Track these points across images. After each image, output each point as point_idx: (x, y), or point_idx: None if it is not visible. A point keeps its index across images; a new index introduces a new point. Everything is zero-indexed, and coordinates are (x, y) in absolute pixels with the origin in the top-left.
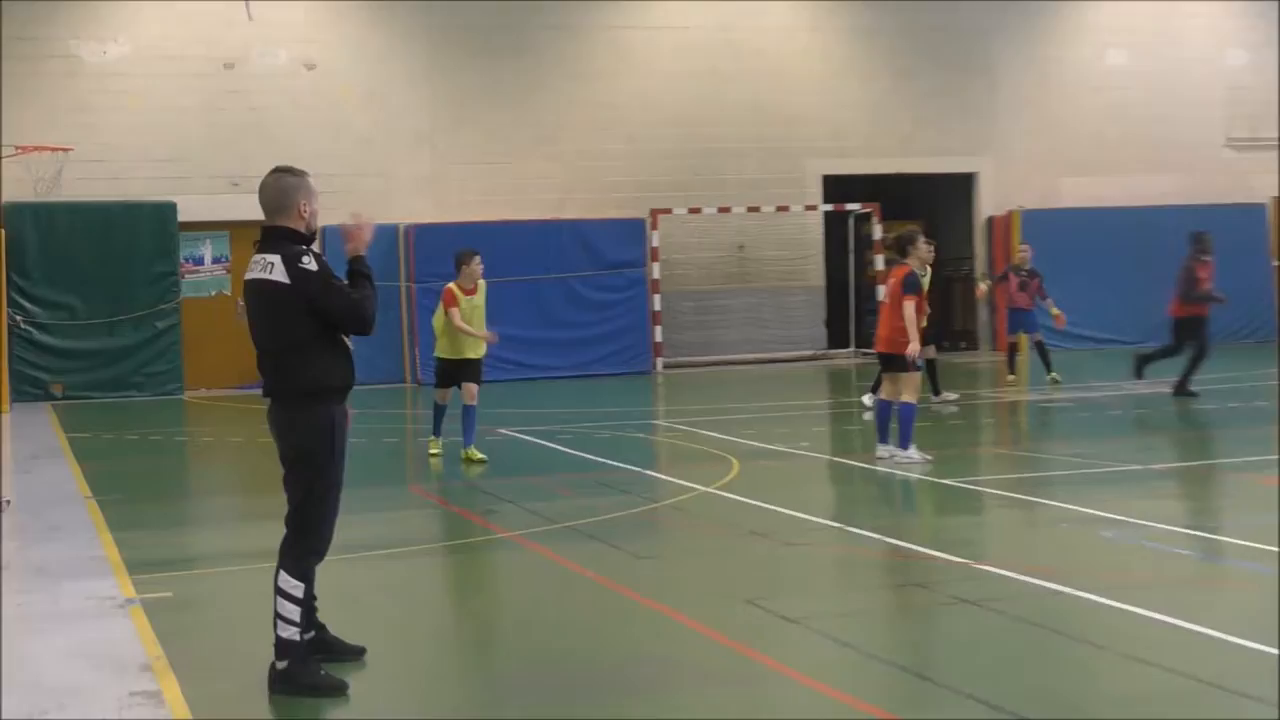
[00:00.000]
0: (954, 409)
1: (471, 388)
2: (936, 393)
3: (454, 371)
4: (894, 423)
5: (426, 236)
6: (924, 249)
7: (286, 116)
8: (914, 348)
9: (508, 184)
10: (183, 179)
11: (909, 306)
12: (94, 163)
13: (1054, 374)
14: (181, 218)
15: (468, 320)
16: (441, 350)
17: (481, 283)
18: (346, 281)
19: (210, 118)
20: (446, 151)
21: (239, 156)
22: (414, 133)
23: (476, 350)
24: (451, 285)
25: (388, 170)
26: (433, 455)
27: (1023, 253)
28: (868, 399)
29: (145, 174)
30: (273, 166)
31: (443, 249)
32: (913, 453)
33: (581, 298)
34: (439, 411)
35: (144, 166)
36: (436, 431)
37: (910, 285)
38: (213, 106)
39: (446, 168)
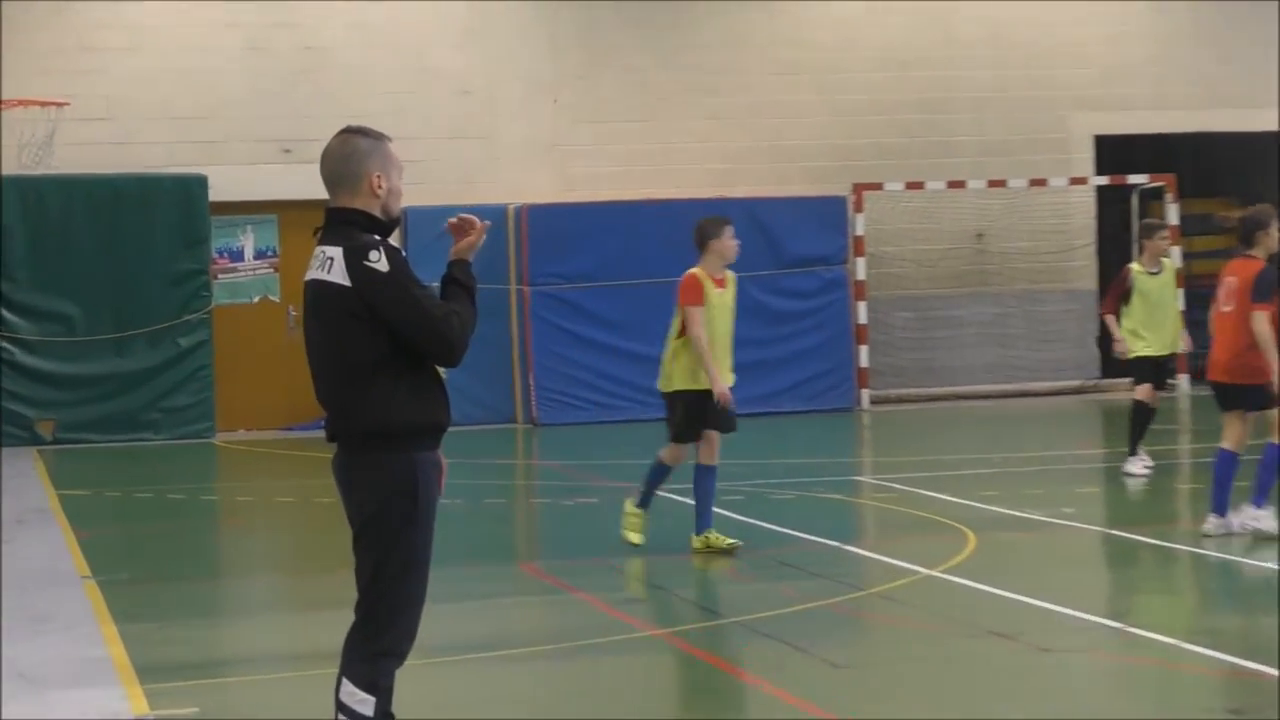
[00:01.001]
0: (1144, 476)
1: (714, 438)
2: (1134, 451)
3: (702, 411)
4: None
5: (545, 221)
6: (1276, 237)
7: (355, 60)
8: None
9: (655, 151)
10: (216, 144)
11: (1259, 320)
12: (97, 122)
13: None
14: (214, 196)
15: (714, 328)
16: (681, 378)
17: (730, 273)
18: (438, 289)
19: (253, 62)
20: (573, 107)
21: (291, 113)
22: (529, 81)
23: (729, 373)
24: (695, 271)
25: (493, 132)
26: (633, 536)
27: None
28: (1136, 465)
29: (165, 137)
30: (341, 127)
31: (566, 238)
32: (1264, 515)
33: (757, 306)
34: (660, 476)
35: (164, 127)
36: (646, 502)
37: (1262, 288)
38: (256, 46)
39: (572, 129)
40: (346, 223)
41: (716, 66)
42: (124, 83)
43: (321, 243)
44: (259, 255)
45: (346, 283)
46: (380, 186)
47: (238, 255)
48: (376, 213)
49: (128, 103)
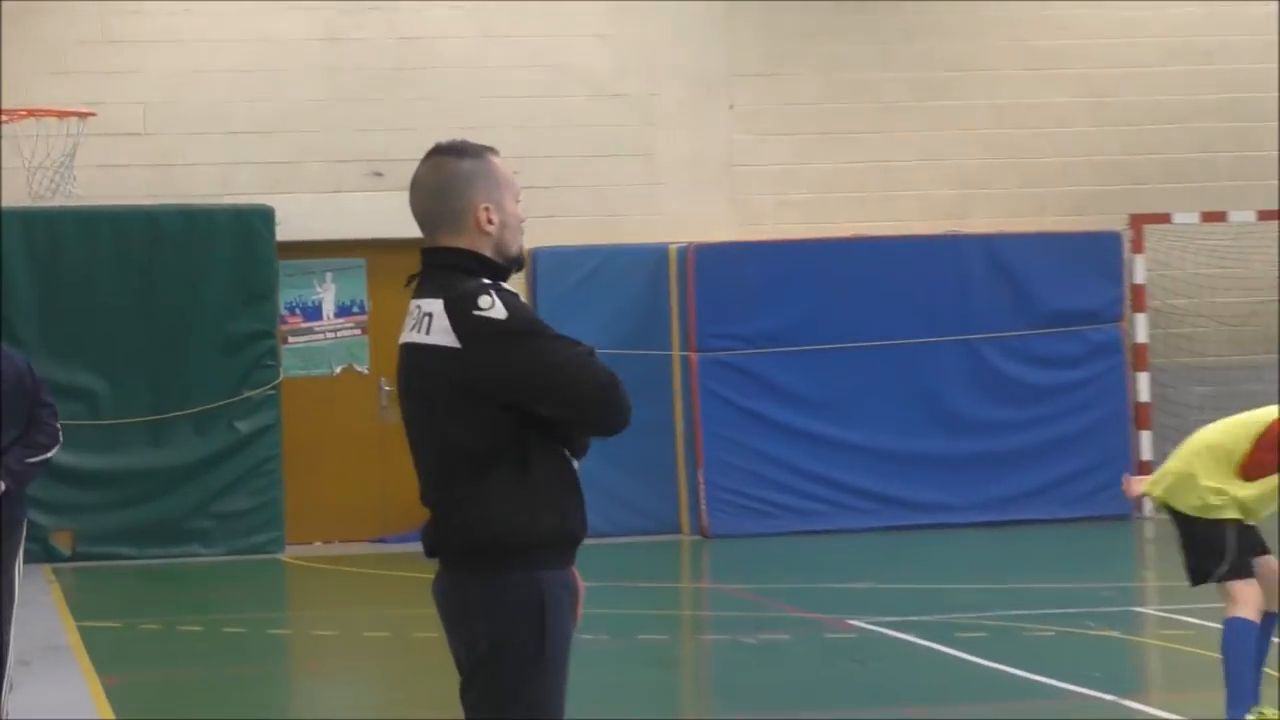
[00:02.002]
0: None
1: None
2: None
3: (1249, 536)
4: None
5: (719, 266)
6: None
7: (465, 55)
8: None
9: (866, 172)
10: (286, 166)
11: None
12: (129, 138)
13: None
14: (283, 234)
15: None
16: (1235, 511)
17: None
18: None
19: (333, 57)
20: (755, 114)
21: (382, 125)
22: (697, 81)
23: None
24: None
25: (648, 149)
26: None
27: None
28: None
29: (219, 157)
30: (434, 145)
31: (746, 288)
32: None
33: (1002, 379)
34: (1252, 638)
35: (216, 144)
36: (1251, 694)
37: None
38: (336, 36)
39: (755, 143)
40: (448, 267)
41: (949, 59)
42: (165, 86)
43: (417, 295)
44: (342, 312)
45: (453, 343)
46: (491, 220)
47: (314, 312)
48: (488, 252)
49: (170, 112)
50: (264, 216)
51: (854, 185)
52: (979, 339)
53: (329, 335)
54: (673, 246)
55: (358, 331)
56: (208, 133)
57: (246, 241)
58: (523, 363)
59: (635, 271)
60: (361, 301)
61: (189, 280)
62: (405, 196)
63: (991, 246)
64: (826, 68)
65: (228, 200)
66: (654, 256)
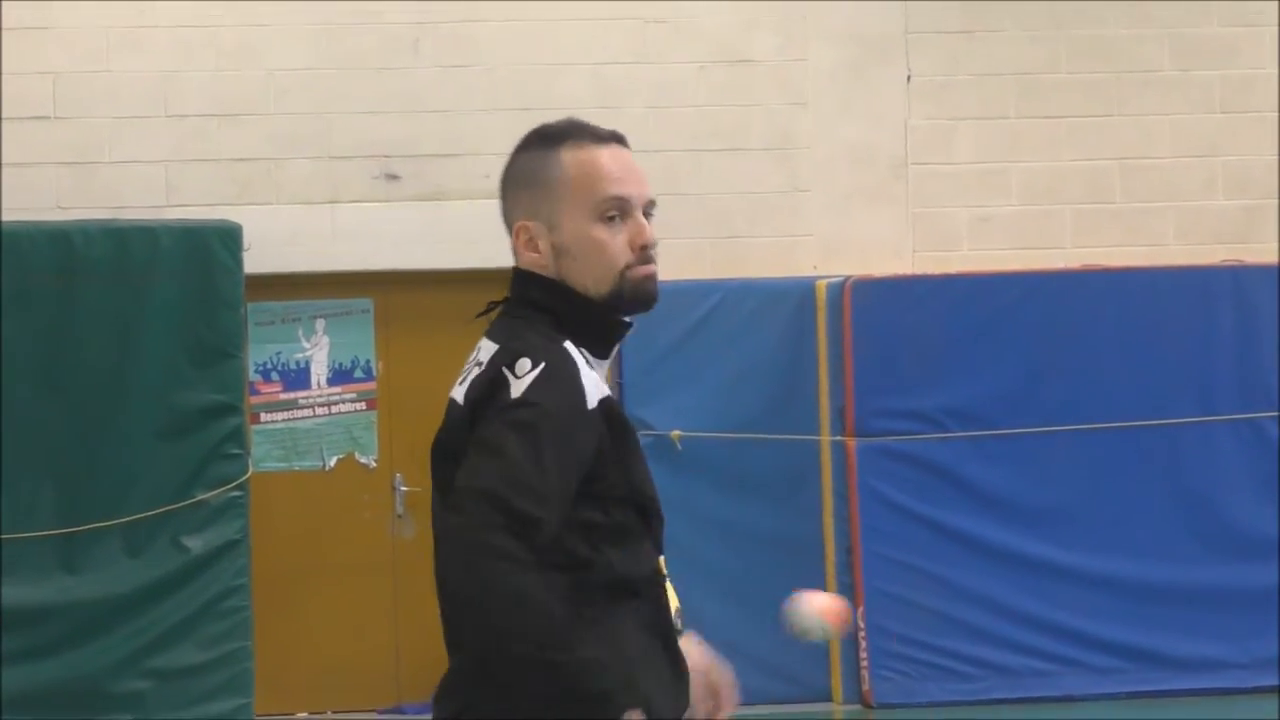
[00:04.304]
0: None
1: None
2: None
3: None
4: None
5: (887, 309)
6: None
7: (523, 5)
8: None
9: (1102, 175)
10: (259, 165)
11: None
12: (33, 124)
13: None
14: (254, 265)
15: None
16: None
17: None
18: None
19: (330, 9)
20: (942, 89)
21: (400, 108)
22: (860, 40)
23: None
24: None
25: (787, 140)
26: None
27: None
28: None
29: (163, 151)
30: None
31: (927, 342)
32: None
33: None
34: None
35: (159, 133)
36: None
37: None
38: None
39: (942, 131)
40: (525, 304)
41: (1228, 10)
42: (86, 48)
43: (488, 331)
44: (339, 377)
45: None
46: (535, 245)
47: (298, 378)
48: (588, 284)
49: (93, 86)
50: (226, 237)
51: (1087, 193)
52: (1271, 418)
53: (320, 411)
54: (822, 281)
55: (361, 405)
56: (146, 116)
57: (201, 273)
58: (471, 460)
59: (767, 317)
60: (367, 361)
61: (118, 329)
62: (427, 209)
63: None
64: (1046, 23)
65: (174, 214)
66: (795, 296)
